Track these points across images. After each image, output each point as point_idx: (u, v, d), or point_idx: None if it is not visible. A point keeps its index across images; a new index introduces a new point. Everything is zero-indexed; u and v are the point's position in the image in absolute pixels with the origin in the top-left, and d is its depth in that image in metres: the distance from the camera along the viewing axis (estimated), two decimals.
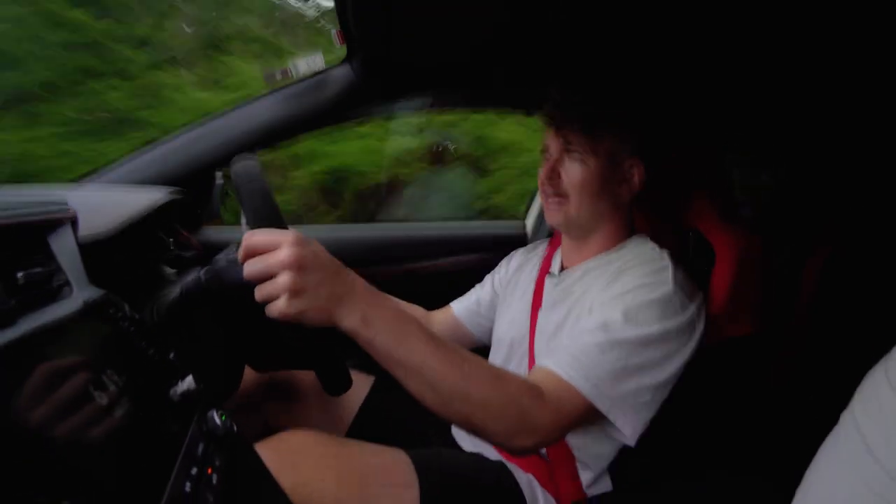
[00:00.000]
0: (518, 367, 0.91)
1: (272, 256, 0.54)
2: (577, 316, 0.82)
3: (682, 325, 0.75)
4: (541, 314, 0.90)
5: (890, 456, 0.36)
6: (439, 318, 1.14)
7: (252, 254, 0.55)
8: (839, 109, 1.17)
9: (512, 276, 1.07)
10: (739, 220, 1.01)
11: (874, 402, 0.39)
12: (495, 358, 0.98)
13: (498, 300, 1.08)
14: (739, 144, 1.71)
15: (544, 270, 0.99)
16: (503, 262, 1.13)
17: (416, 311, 1.12)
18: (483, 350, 1.10)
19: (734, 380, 0.93)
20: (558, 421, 0.66)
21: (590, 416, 0.69)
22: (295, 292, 0.53)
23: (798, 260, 1.56)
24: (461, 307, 1.13)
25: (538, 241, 1.13)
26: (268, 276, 0.54)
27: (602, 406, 0.68)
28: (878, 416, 0.38)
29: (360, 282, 0.59)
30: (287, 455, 0.69)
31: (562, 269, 0.94)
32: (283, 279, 0.53)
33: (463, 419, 0.62)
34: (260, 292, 0.55)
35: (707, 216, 0.97)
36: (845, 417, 0.41)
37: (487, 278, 1.14)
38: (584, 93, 0.86)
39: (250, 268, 0.55)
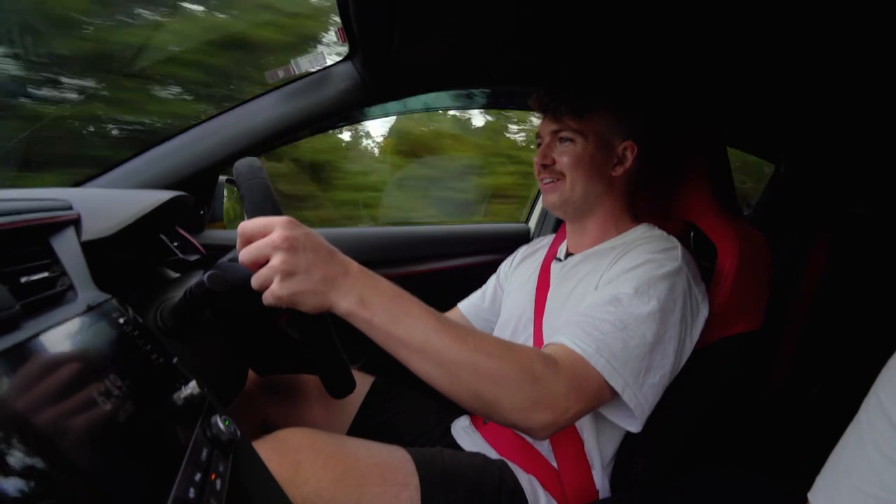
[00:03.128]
0: None
1: (264, 240, 0.54)
2: (583, 292, 0.83)
3: (690, 307, 0.76)
4: (548, 296, 0.91)
5: None
6: (450, 316, 1.14)
7: (247, 241, 0.56)
8: (842, 105, 1.16)
9: (516, 267, 1.09)
10: (742, 217, 1.00)
11: (893, 371, 0.40)
12: None
13: (502, 293, 1.09)
14: (742, 139, 1.70)
15: (549, 258, 1.00)
16: (508, 259, 1.15)
17: None
18: None
19: (737, 377, 0.92)
20: (575, 393, 0.64)
21: (604, 396, 0.68)
22: (287, 273, 0.54)
23: (800, 255, 1.56)
24: (467, 304, 1.15)
25: (542, 237, 1.14)
26: (263, 262, 0.55)
27: (617, 384, 0.67)
28: (893, 383, 0.39)
29: (353, 263, 0.59)
30: (284, 453, 0.69)
31: (567, 255, 0.96)
32: (275, 260, 0.54)
33: (474, 395, 0.59)
34: (256, 279, 0.55)
35: (709, 212, 0.97)
36: (869, 398, 0.42)
37: (493, 276, 1.15)
38: (577, 78, 0.89)
39: (245, 254, 0.55)
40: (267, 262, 0.55)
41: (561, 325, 0.75)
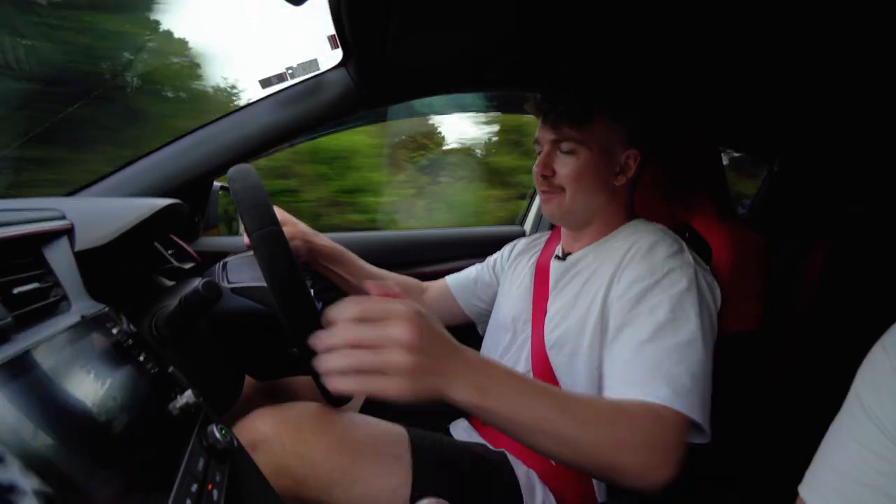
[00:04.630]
0: (520, 350, 0.91)
1: (387, 329, 0.49)
2: (590, 298, 0.82)
3: (711, 305, 0.77)
4: (550, 298, 0.90)
5: (879, 408, 0.40)
6: (434, 288, 1.15)
7: (363, 320, 0.50)
8: (836, 102, 1.17)
9: (513, 261, 1.07)
10: (737, 217, 1.01)
11: (869, 366, 0.43)
12: (497, 342, 0.97)
13: (497, 284, 1.08)
14: (736, 139, 1.71)
15: (545, 256, 0.99)
16: (507, 247, 1.13)
17: (411, 282, 1.13)
18: (468, 327, 1.13)
19: (734, 376, 0.92)
20: (679, 442, 0.64)
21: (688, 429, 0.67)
22: (408, 373, 0.49)
23: (798, 256, 1.56)
24: (455, 281, 1.14)
25: (541, 233, 1.12)
26: (374, 347, 0.49)
27: (699, 417, 0.66)
28: (870, 376, 0.42)
29: (471, 355, 0.56)
30: (287, 417, 0.71)
31: (565, 254, 0.95)
32: (397, 359, 0.48)
33: (599, 466, 0.59)
34: (360, 362, 0.49)
35: (704, 213, 0.97)
36: (850, 392, 0.44)
37: (489, 259, 1.14)
38: (574, 85, 0.86)
39: (359, 333, 0.49)
40: (380, 347, 0.49)
41: (614, 373, 0.73)
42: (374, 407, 0.97)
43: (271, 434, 0.68)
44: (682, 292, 0.74)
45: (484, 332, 1.11)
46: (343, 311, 0.50)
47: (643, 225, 0.88)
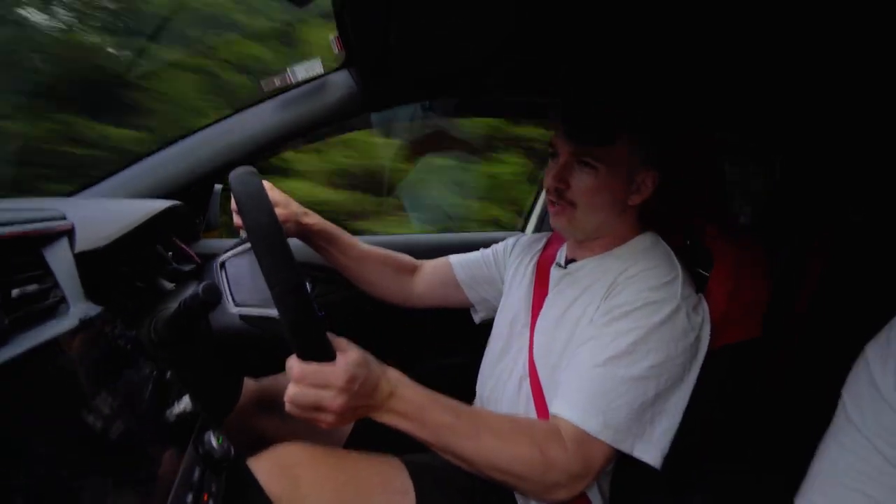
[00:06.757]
0: (517, 355, 0.91)
1: (322, 399, 0.58)
2: (579, 313, 0.82)
3: (691, 341, 0.75)
4: (545, 303, 0.90)
5: (858, 413, 0.42)
6: (430, 267, 1.13)
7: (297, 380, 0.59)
8: (836, 109, 1.17)
9: (514, 259, 1.06)
10: (738, 227, 1.00)
11: (853, 374, 0.45)
12: (498, 343, 0.97)
13: (495, 274, 1.08)
14: (736, 147, 1.71)
15: (545, 262, 0.98)
16: (510, 240, 1.11)
17: (403, 259, 1.12)
18: (463, 313, 1.13)
19: (733, 384, 0.92)
20: (586, 468, 0.68)
21: (614, 456, 0.70)
22: (334, 423, 0.60)
23: (797, 264, 1.56)
24: (458, 262, 1.11)
25: (543, 233, 1.10)
26: (312, 407, 0.59)
27: (626, 447, 0.69)
28: (853, 380, 0.44)
29: (388, 386, 0.64)
30: (283, 468, 0.69)
31: (567, 261, 0.93)
32: (328, 418, 0.59)
33: (496, 480, 0.68)
34: (301, 412, 0.60)
35: (704, 219, 0.96)
36: (839, 401, 0.46)
37: (494, 247, 1.12)
38: (599, 102, 0.84)
39: (296, 398, 0.58)
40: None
41: (561, 384, 0.75)
42: (361, 439, 0.98)
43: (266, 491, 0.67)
44: (654, 326, 0.73)
45: (480, 319, 1.12)
46: (292, 372, 0.59)
47: (649, 244, 0.87)
